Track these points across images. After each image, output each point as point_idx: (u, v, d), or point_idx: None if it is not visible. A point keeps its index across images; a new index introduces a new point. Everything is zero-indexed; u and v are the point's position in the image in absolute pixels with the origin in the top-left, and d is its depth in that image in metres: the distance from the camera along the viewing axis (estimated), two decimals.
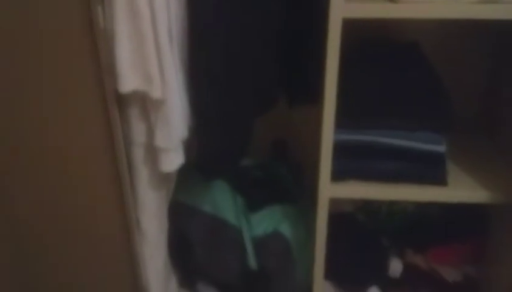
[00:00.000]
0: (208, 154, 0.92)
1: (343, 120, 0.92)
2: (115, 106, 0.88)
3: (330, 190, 0.97)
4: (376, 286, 1.14)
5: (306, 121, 1.25)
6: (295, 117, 1.24)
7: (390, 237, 1.19)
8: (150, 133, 0.90)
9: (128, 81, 0.82)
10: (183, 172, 1.00)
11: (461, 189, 0.95)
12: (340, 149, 0.94)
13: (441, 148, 0.93)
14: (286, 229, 1.13)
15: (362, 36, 1.01)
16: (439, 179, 0.95)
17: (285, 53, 1.02)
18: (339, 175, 0.96)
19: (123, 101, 0.89)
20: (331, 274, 1.12)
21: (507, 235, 1.00)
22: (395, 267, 1.18)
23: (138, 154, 0.95)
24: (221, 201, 1.15)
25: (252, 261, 1.11)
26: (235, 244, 1.12)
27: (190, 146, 0.95)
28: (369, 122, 0.94)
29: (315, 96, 1.08)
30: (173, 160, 0.90)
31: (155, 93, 0.83)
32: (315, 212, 1.00)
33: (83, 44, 0.83)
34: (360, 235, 1.18)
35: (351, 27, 0.82)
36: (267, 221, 1.14)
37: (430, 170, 0.95)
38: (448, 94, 0.95)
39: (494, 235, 1.07)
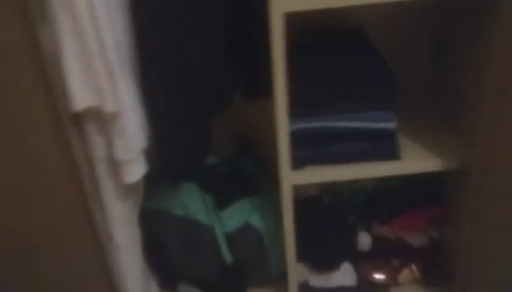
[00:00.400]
0: (168, 159, 0.94)
1: (296, 109, 0.96)
2: (73, 125, 0.89)
3: (291, 178, 1.00)
4: (347, 261, 1.19)
5: (264, 113, 1.29)
6: (255, 110, 1.27)
7: (355, 215, 1.24)
8: (110, 146, 0.91)
9: (80, 100, 0.83)
10: (150, 179, 1.02)
11: (413, 161, 1.00)
12: (297, 138, 0.98)
13: (391, 125, 0.98)
14: (256, 220, 1.17)
15: (305, 25, 1.05)
16: (393, 154, 1.00)
17: (234, 49, 1.05)
18: (298, 163, 1.00)
19: (80, 118, 0.90)
20: (303, 256, 1.17)
21: (460, 198, 1.06)
22: (364, 240, 1.24)
23: (101, 168, 0.96)
24: (191, 202, 1.17)
25: (227, 256, 1.15)
26: (209, 242, 1.15)
27: (153, 153, 0.98)
28: (321, 108, 0.98)
29: (268, 88, 1.13)
30: (135, 171, 0.92)
31: (109, 107, 0.84)
32: (281, 202, 1.04)
33: (30, 67, 0.84)
34: (327, 216, 1.23)
35: (293, 18, 0.85)
36: (237, 215, 1.17)
37: (383, 146, 1.00)
38: (393, 73, 1.00)
39: (449, 199, 1.13)
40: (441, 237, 1.22)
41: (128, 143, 0.88)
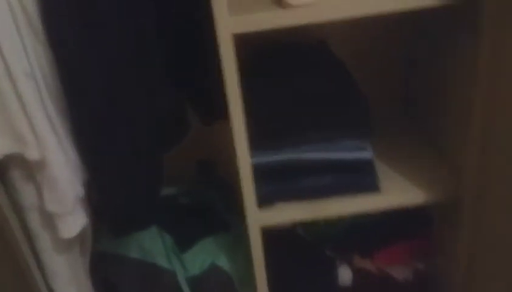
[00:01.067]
0: (114, 214, 0.81)
1: (258, 142, 0.84)
2: None
3: (259, 218, 0.88)
4: None
5: (227, 137, 1.17)
6: (217, 133, 1.14)
7: (333, 247, 1.13)
8: (40, 195, 0.78)
9: None
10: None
11: (395, 193, 0.89)
12: (262, 173, 0.86)
13: (367, 154, 0.87)
14: (223, 261, 1.04)
15: (262, 41, 0.92)
16: (371, 187, 0.89)
17: (181, 71, 0.92)
18: (265, 200, 0.88)
19: (2, 164, 0.77)
20: None
21: (447, 229, 0.95)
22: (344, 275, 1.12)
23: (34, 218, 0.82)
24: (149, 244, 1.04)
25: None
26: (170, 289, 1.02)
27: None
28: (286, 139, 0.86)
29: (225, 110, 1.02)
30: (72, 224, 0.78)
31: (32, 154, 0.71)
32: (249, 242, 0.91)
33: None
34: (304, 250, 1.11)
35: (245, 36, 0.74)
36: (202, 257, 1.04)
37: (359, 178, 0.89)
38: (363, 94, 0.88)
39: (436, 230, 1.02)
40: (427, 269, 1.11)
41: (59, 194, 0.74)
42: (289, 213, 0.89)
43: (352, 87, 0.89)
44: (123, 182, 0.79)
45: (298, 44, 0.97)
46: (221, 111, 0.95)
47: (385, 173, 0.91)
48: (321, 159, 0.87)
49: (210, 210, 1.13)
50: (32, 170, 0.76)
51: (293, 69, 0.91)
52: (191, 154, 1.13)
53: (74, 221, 0.79)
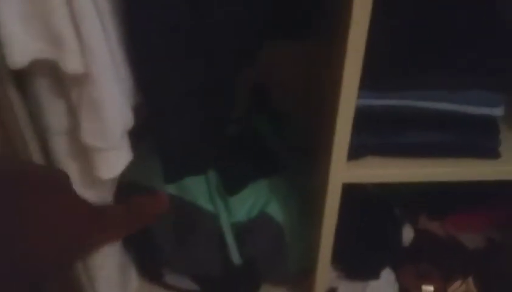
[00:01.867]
0: (173, 153, 0.61)
1: (365, 79, 0.63)
2: (10, 83, 0.54)
3: (344, 174, 0.70)
4: (388, 267, 0.93)
5: (291, 61, 0.95)
6: (277, 55, 0.91)
7: (403, 204, 0.96)
8: (73, 119, 0.57)
9: (20, 49, 0.48)
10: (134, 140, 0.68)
11: None
12: (361, 118, 0.66)
13: (497, 112, 0.67)
14: (274, 209, 0.87)
15: None
16: (490, 152, 0.70)
17: None
18: (356, 153, 0.69)
19: (26, 74, 0.55)
20: (334, 256, 0.89)
21: None
22: (406, 234, 0.97)
23: (61, 145, 0.62)
24: (189, 179, 0.86)
25: (235, 255, 0.86)
26: (210, 234, 0.86)
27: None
28: (401, 79, 0.65)
29: (305, 28, 0.82)
30: (114, 163, 0.59)
31: (71, 64, 0.49)
32: (323, 199, 0.74)
33: None
34: (370, 204, 0.94)
35: None
36: (251, 201, 0.87)
37: (479, 139, 0.70)
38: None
39: None
40: (503, 239, 0.96)
41: (103, 125, 0.53)
42: (383, 171, 0.71)
43: (495, 24, 0.67)
44: (191, 113, 0.58)
45: None
46: (302, 27, 0.76)
47: (507, 137, 0.72)
48: (440, 110, 0.67)
49: (262, 144, 0.94)
50: (67, 85, 0.54)
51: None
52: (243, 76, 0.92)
53: (117, 158, 0.59)
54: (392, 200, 0.96)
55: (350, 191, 0.87)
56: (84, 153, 0.62)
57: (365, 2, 0.53)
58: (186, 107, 0.57)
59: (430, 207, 0.97)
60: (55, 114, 0.58)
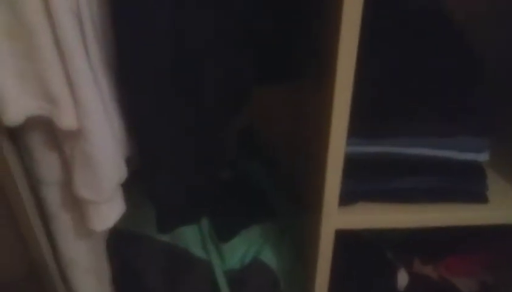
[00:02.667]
0: (165, 204, 0.61)
1: (353, 126, 0.64)
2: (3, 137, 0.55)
3: (337, 220, 0.70)
4: None
5: (281, 104, 0.97)
6: (266, 98, 0.94)
7: (395, 248, 0.96)
8: (67, 169, 0.58)
9: (15, 108, 0.49)
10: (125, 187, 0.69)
11: (504, 207, 0.72)
12: (350, 165, 0.67)
13: (482, 157, 0.69)
14: (268, 256, 0.87)
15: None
16: (479, 197, 0.71)
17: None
18: (348, 199, 0.70)
19: (21, 129, 0.56)
20: None
21: None
22: (401, 279, 0.97)
23: (54, 196, 0.62)
24: (182, 227, 0.86)
25: None
26: (204, 282, 0.85)
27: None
28: (386, 127, 0.67)
29: (294, 71, 0.83)
30: (106, 215, 0.59)
31: (65, 120, 0.50)
32: (316, 246, 0.74)
33: None
34: (362, 248, 0.94)
35: None
36: (244, 248, 0.87)
37: (466, 185, 0.71)
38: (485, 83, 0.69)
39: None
40: (497, 283, 0.96)
41: (97, 178, 0.54)
42: (374, 217, 0.71)
43: (475, 68, 0.69)
44: (183, 163, 0.59)
45: (413, 9, 0.75)
46: (292, 70, 0.78)
47: (494, 182, 0.73)
48: (426, 156, 0.68)
49: (254, 190, 0.95)
50: (61, 139, 0.55)
51: (405, 39, 0.70)
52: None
53: (110, 211, 0.60)
54: (384, 243, 0.96)
55: (342, 236, 0.88)
56: (76, 204, 0.62)
57: (350, 49, 0.55)
58: (178, 155, 0.58)
59: (423, 250, 0.97)
60: (47, 166, 0.59)
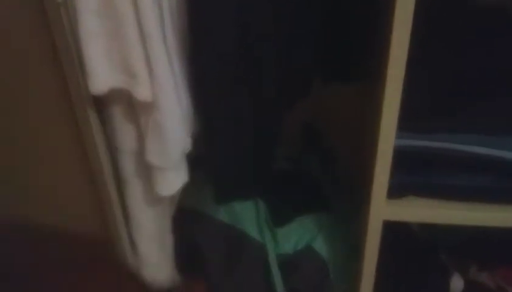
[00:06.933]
0: (223, 177, 0.68)
1: (405, 119, 0.67)
2: (90, 107, 0.64)
3: (385, 211, 0.73)
4: None
5: (343, 101, 1.00)
6: (330, 96, 0.98)
7: (450, 251, 0.96)
8: (141, 140, 0.66)
9: (101, 79, 0.58)
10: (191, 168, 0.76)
11: None
12: (401, 158, 0.69)
13: None
14: (320, 245, 0.90)
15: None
16: None
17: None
18: (396, 192, 0.72)
19: (104, 100, 0.65)
20: None
21: None
22: (455, 285, 0.96)
23: (128, 163, 0.71)
24: (240, 209, 0.92)
25: (279, 285, 0.90)
26: (257, 263, 0.91)
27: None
28: (442, 123, 0.69)
29: (359, 71, 0.85)
30: (172, 181, 0.66)
31: (142, 93, 0.58)
32: (364, 236, 0.77)
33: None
34: (415, 249, 0.95)
35: None
36: (298, 235, 0.91)
37: None
38: None
39: None
40: None
41: (165, 146, 0.62)
42: (423, 211, 0.73)
43: None
44: (242, 142, 0.65)
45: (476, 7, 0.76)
46: (356, 69, 0.81)
47: None
48: (479, 154, 0.68)
49: (312, 182, 0.99)
50: (137, 111, 0.63)
51: (467, 34, 0.72)
52: (294, 118, 0.97)
53: (175, 178, 0.67)
54: (440, 246, 0.96)
55: (396, 235, 0.90)
56: (147, 172, 0.71)
57: (402, 40, 0.58)
58: (236, 135, 0.65)
59: (480, 256, 0.95)
60: (125, 135, 0.68)
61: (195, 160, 0.72)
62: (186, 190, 0.82)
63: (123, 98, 0.63)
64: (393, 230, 0.91)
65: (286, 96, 0.68)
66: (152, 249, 0.82)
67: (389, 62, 0.60)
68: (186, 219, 0.92)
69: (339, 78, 0.89)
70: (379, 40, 0.69)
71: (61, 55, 0.61)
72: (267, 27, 0.62)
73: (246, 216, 0.92)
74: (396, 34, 0.58)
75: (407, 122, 0.66)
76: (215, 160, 0.67)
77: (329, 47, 0.81)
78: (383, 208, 0.72)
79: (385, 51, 0.62)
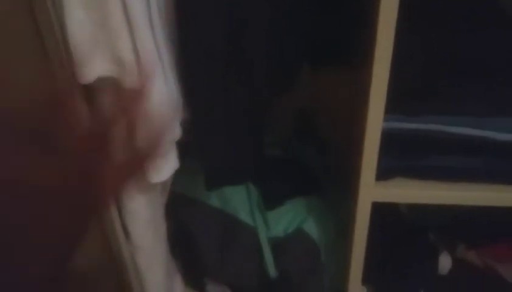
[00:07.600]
0: (213, 163, 0.68)
1: (394, 102, 0.68)
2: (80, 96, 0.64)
3: (373, 192, 0.74)
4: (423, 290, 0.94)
5: (335, 87, 1.00)
6: (322, 82, 0.98)
7: (437, 231, 0.98)
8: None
9: (89, 68, 0.57)
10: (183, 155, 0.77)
11: None
12: (389, 140, 0.70)
13: None
14: (311, 227, 0.92)
15: None
16: None
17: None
18: (385, 174, 0.73)
19: (92, 89, 0.65)
20: (368, 277, 0.92)
21: None
22: (443, 263, 0.98)
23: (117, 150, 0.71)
24: (231, 194, 0.93)
25: (271, 267, 0.91)
26: (249, 247, 0.92)
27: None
28: (428, 105, 0.70)
29: (348, 56, 0.86)
30: (163, 168, 0.67)
31: (130, 81, 0.58)
32: (353, 218, 0.78)
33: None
34: (405, 231, 0.96)
35: None
36: (289, 218, 0.92)
37: (504, 165, 0.72)
38: None
39: None
40: None
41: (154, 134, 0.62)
42: (411, 192, 0.74)
43: None
44: (231, 129, 0.66)
45: None
46: (347, 55, 0.82)
47: None
48: (465, 135, 0.70)
49: (303, 166, 1.00)
50: (126, 98, 0.63)
51: (453, 16, 0.72)
52: (286, 103, 0.98)
53: (165, 165, 0.67)
54: (428, 226, 0.98)
55: (384, 216, 0.91)
56: None
57: (389, 22, 0.58)
58: (226, 121, 0.65)
59: (468, 235, 0.97)
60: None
61: (186, 147, 0.73)
62: (177, 177, 0.83)
63: (110, 86, 0.63)
64: (382, 212, 0.93)
65: (275, 84, 0.68)
66: (146, 235, 0.83)
67: (376, 44, 0.61)
68: (178, 205, 0.93)
69: (328, 64, 0.89)
70: (367, 23, 0.69)
71: (47, 43, 0.61)
72: (255, 16, 0.62)
73: (237, 200, 0.93)
74: (382, 16, 0.58)
75: (395, 104, 0.67)
76: (205, 147, 0.67)
77: (318, 33, 0.81)
78: (372, 190, 0.73)
79: (372, 32, 0.63)
